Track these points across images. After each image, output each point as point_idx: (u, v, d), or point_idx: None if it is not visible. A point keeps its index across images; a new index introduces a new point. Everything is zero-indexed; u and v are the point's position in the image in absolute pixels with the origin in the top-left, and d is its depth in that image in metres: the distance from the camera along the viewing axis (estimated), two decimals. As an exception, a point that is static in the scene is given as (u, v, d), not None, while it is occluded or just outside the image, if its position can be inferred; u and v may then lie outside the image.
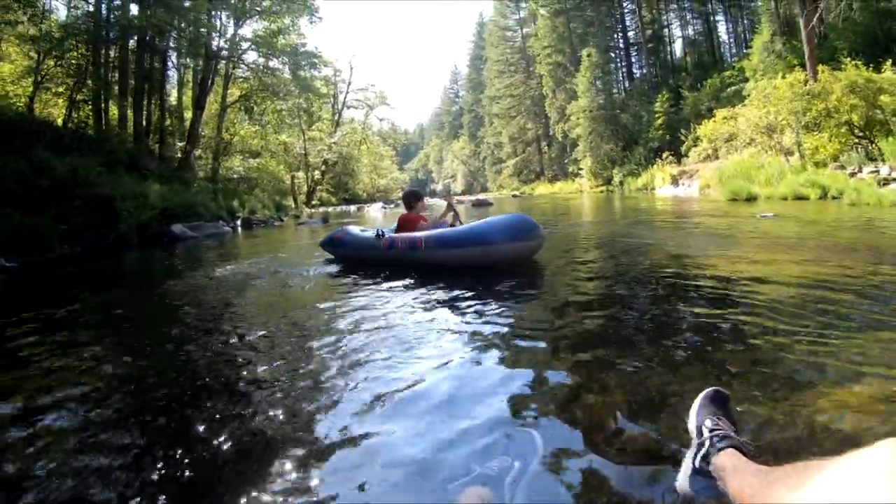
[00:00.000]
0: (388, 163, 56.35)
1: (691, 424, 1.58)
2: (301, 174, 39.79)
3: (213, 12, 21.08)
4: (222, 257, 8.91)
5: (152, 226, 12.69)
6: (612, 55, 45.81)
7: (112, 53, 18.23)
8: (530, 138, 59.02)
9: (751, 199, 14.09)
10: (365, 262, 5.90)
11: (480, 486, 1.49)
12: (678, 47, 44.52)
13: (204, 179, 20.60)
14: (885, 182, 11.38)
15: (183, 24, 18.89)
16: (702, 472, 1.37)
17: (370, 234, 6.00)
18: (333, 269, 6.11)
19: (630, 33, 46.48)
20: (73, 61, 16.28)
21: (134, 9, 17.61)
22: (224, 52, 22.27)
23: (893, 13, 22.39)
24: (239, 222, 17.85)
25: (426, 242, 5.15)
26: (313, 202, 37.87)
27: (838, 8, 22.28)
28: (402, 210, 6.28)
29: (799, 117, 15.37)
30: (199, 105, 21.21)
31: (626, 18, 46.42)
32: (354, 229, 6.51)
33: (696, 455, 1.42)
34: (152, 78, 19.64)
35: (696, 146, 27.64)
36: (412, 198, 6.28)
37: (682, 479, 1.42)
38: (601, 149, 39.07)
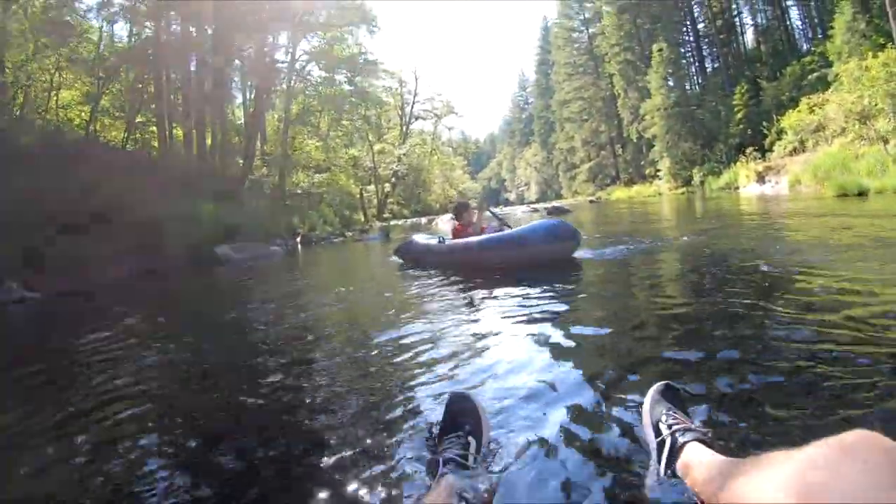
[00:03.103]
0: (459, 172, 56.16)
1: (646, 423, 1.51)
2: (371, 187, 39.94)
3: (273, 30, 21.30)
4: (248, 290, 8.32)
5: (202, 248, 12.51)
6: (683, 50, 43.72)
7: (174, 76, 18.56)
8: (604, 141, 57.09)
9: (861, 194, 11.79)
10: (427, 263, 6.97)
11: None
12: (749, 37, 41.96)
13: (267, 196, 20.65)
14: None
15: (246, 45, 19.13)
16: (669, 471, 1.31)
17: (434, 240, 7.25)
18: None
19: (700, 25, 44.22)
20: (132, 84, 16.55)
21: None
22: (282, 66, 22.42)
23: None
24: (298, 240, 17.72)
25: (476, 245, 6.14)
26: (384, 215, 37.86)
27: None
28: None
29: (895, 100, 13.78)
30: (255, 122, 21.34)
31: (695, 10, 44.21)
32: (421, 238, 7.69)
33: (660, 454, 1.36)
34: (213, 98, 19.87)
35: (780, 139, 25.64)
36: (460, 209, 7.41)
37: (652, 480, 1.35)
38: (679, 148, 37.08)
